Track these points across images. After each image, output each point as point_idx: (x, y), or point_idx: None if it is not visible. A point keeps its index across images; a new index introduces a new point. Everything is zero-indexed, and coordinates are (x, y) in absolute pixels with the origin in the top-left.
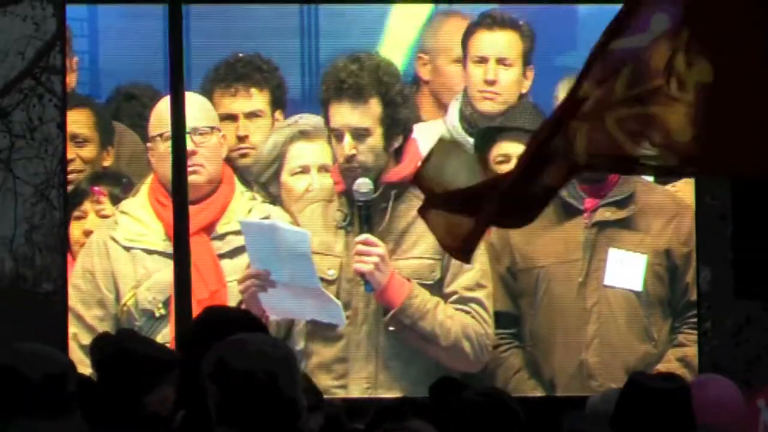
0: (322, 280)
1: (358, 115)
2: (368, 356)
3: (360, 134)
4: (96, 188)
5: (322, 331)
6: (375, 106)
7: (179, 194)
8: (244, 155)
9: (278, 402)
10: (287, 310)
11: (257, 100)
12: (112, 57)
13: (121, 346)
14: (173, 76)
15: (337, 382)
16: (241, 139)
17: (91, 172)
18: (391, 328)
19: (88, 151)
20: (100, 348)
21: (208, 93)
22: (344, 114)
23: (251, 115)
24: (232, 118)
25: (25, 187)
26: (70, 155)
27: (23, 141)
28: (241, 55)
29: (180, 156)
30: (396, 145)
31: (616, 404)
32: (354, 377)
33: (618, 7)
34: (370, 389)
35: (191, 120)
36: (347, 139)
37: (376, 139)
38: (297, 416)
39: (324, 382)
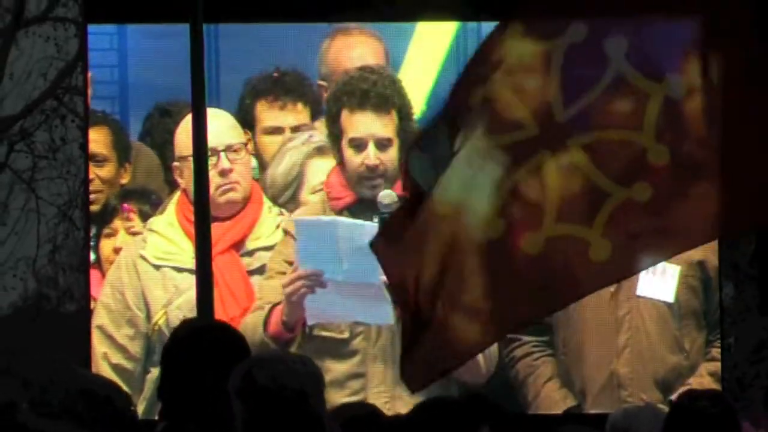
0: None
1: (381, 125)
2: (386, 370)
3: (383, 144)
4: (126, 205)
5: (336, 347)
6: (395, 118)
7: (201, 212)
8: None
9: (307, 420)
10: (331, 313)
11: (303, 114)
12: (139, 76)
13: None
14: (195, 94)
15: (356, 397)
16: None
17: (116, 189)
18: None
19: (107, 171)
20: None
21: (249, 107)
22: (368, 123)
23: (296, 129)
24: (278, 131)
25: (48, 208)
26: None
27: (46, 161)
28: (280, 69)
29: (202, 174)
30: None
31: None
32: (373, 392)
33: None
34: (388, 403)
35: (224, 137)
36: (371, 148)
37: (395, 151)
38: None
39: (340, 399)
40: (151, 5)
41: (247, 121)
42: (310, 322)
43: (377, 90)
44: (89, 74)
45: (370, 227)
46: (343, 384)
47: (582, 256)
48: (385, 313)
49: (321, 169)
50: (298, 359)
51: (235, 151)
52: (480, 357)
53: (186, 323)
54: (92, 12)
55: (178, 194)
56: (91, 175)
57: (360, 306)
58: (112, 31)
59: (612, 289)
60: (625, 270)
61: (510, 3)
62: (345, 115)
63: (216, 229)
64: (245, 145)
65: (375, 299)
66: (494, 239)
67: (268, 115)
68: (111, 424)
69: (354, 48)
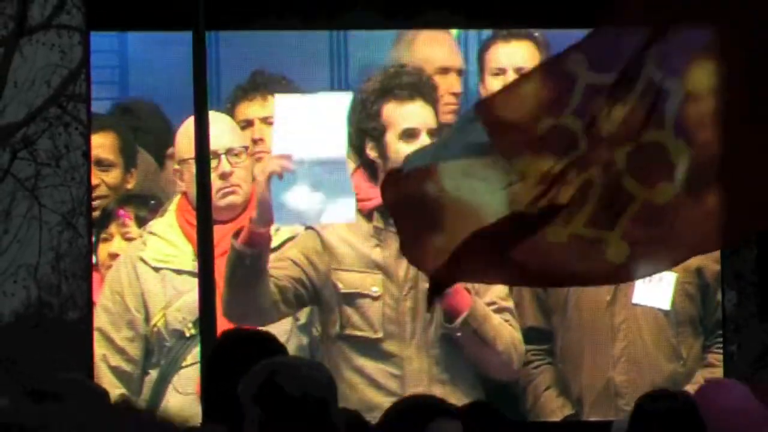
0: (366, 296)
1: (431, 115)
2: (420, 370)
3: (433, 134)
4: (121, 211)
5: (372, 349)
6: (432, 110)
7: (203, 215)
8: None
9: (326, 428)
10: (297, 212)
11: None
12: (142, 82)
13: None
14: (197, 100)
15: (393, 398)
16: (255, 142)
17: (116, 195)
18: (458, 334)
19: (113, 176)
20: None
21: (230, 111)
22: (420, 113)
23: (265, 120)
24: (249, 123)
25: (51, 215)
26: (94, 180)
27: (49, 169)
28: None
29: (204, 177)
30: None
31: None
32: (410, 392)
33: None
34: None
35: (225, 140)
36: (423, 137)
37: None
38: None
39: (378, 399)
40: (154, 13)
41: None
42: (277, 224)
43: (425, 80)
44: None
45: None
46: (379, 385)
47: (599, 254)
48: (349, 210)
49: None
50: (315, 366)
51: (236, 154)
52: (514, 353)
53: (231, 332)
54: (95, 19)
55: (178, 197)
56: (97, 181)
57: (326, 203)
58: (114, 38)
59: (608, 297)
60: (636, 274)
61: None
62: (391, 108)
63: (216, 232)
64: (246, 148)
65: (341, 189)
66: (524, 213)
67: (239, 110)
68: None
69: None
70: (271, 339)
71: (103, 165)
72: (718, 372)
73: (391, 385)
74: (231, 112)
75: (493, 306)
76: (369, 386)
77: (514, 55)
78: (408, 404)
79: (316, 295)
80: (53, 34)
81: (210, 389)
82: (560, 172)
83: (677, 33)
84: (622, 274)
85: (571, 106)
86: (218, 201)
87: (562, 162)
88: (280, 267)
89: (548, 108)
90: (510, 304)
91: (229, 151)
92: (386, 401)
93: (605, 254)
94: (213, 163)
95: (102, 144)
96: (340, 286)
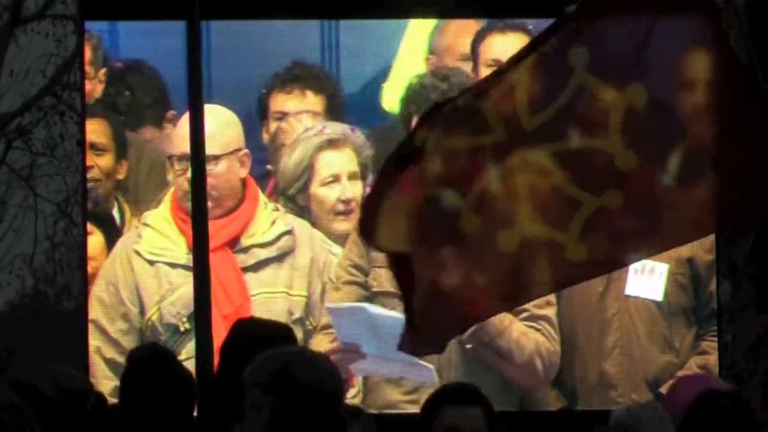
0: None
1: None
2: (439, 370)
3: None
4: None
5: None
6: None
7: (198, 207)
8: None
9: (336, 419)
10: (378, 372)
11: (311, 101)
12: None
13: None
14: (192, 91)
15: (408, 396)
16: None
17: (113, 182)
18: (468, 346)
19: (106, 161)
20: None
21: (265, 97)
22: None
23: (297, 116)
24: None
25: (46, 205)
26: (88, 164)
27: (44, 158)
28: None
29: (199, 170)
30: None
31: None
32: (427, 391)
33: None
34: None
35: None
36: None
37: None
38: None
39: (393, 396)
40: (148, 2)
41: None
42: (358, 376)
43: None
44: (103, 70)
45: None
46: (398, 382)
47: (558, 255)
48: (428, 375)
49: (332, 162)
50: (325, 358)
51: (212, 164)
52: (539, 364)
53: (241, 323)
54: (89, 9)
55: (173, 189)
56: (90, 163)
57: (403, 367)
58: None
59: (600, 289)
60: (605, 267)
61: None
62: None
63: (210, 226)
64: (221, 156)
65: (414, 367)
66: (472, 232)
67: (275, 100)
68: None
69: None
70: (288, 330)
71: (97, 149)
72: (712, 360)
73: (408, 384)
74: (265, 99)
75: (524, 314)
76: (387, 383)
77: (509, 46)
78: (433, 392)
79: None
80: (48, 24)
81: (225, 376)
82: (476, 153)
83: (618, 38)
84: (587, 271)
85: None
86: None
87: (476, 140)
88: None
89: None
90: (547, 311)
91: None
92: (404, 399)
93: (564, 255)
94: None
95: (95, 129)
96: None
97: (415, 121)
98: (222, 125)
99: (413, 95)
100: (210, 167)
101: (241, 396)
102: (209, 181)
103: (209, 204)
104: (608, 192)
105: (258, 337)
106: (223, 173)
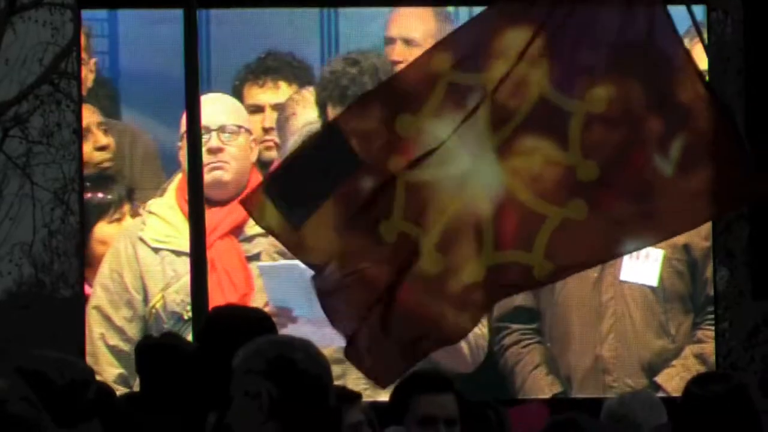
0: None
1: None
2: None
3: None
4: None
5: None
6: None
7: (194, 193)
8: (269, 147)
9: (331, 405)
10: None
11: (284, 93)
12: (134, 61)
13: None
14: (189, 79)
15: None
16: (267, 131)
17: (96, 170)
18: None
19: (90, 144)
20: None
21: (238, 90)
22: None
23: (277, 107)
24: (259, 109)
25: (43, 193)
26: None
27: (41, 146)
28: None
29: (195, 157)
30: None
31: (673, 418)
32: (353, 376)
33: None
34: (368, 390)
35: (219, 117)
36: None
37: None
38: (341, 419)
39: None
40: None
41: None
42: None
43: (355, 88)
44: (93, 60)
45: None
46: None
47: (526, 275)
48: None
49: None
50: (310, 343)
51: (229, 132)
52: (465, 348)
53: (218, 310)
54: None
55: (179, 176)
56: (86, 149)
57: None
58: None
59: (596, 274)
60: (572, 270)
61: None
62: (329, 109)
63: (215, 214)
64: (241, 128)
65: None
66: (434, 274)
67: (249, 94)
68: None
69: None
70: (267, 317)
71: (92, 135)
72: (708, 348)
73: (336, 370)
74: (239, 92)
75: None
76: None
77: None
78: (402, 379)
79: None
80: (46, 12)
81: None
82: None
83: (576, 45)
84: (557, 276)
85: (430, 104)
86: (205, 176)
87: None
88: None
89: (407, 105)
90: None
91: (221, 128)
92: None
93: (533, 274)
94: (204, 138)
95: (84, 115)
96: None
97: (329, 107)
98: (232, 103)
99: (325, 82)
100: (232, 137)
101: (224, 384)
102: (227, 149)
103: (221, 177)
104: (572, 202)
105: (237, 321)
106: (240, 148)
